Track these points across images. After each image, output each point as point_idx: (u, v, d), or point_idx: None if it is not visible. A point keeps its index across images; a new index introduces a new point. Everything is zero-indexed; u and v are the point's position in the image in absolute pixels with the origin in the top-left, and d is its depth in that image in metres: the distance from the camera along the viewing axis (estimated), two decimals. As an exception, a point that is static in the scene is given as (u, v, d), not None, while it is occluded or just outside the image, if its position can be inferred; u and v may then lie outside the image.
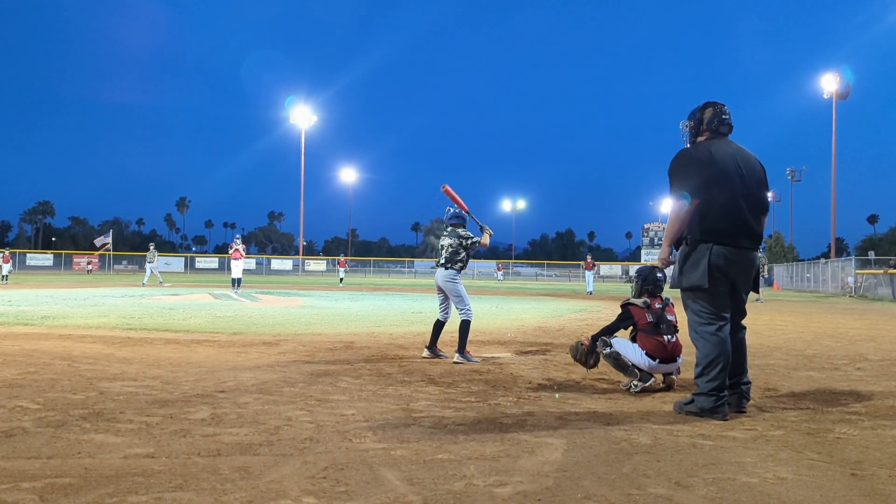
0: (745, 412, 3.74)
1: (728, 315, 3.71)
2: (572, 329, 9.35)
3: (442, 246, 6.06)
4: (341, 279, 32.01)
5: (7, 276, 26.87)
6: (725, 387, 3.58)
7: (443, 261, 5.96)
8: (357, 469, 2.55)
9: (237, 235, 20.40)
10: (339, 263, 33.64)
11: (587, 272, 27.25)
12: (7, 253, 29.44)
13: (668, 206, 3.74)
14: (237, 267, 18.69)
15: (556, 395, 4.06)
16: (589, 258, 27.47)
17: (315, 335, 7.60)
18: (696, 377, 3.67)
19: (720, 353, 3.59)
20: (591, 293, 24.98)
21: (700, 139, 3.90)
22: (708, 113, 3.87)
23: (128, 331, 7.65)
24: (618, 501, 2.25)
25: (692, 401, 3.65)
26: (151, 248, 24.92)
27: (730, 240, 3.64)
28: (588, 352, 4.64)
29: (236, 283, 18.29)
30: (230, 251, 19.45)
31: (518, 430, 3.24)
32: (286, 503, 2.17)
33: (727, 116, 3.87)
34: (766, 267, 21.62)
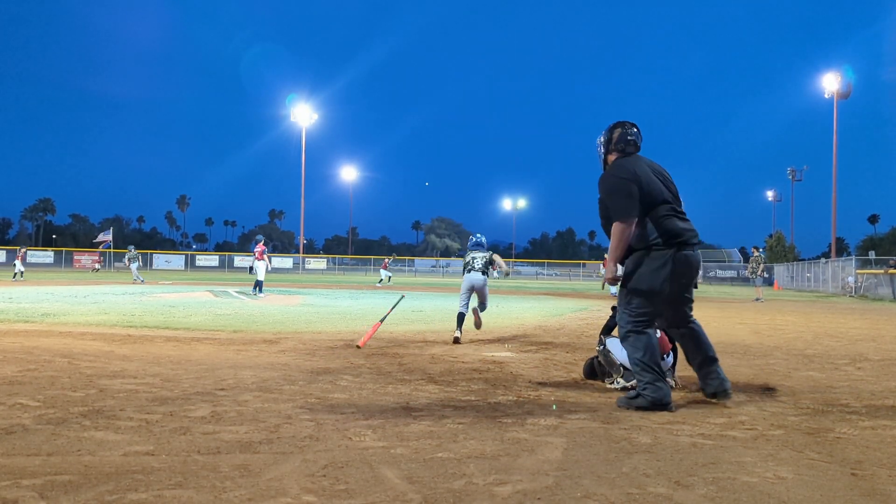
0: (730, 395, 3.92)
1: (655, 318, 3.95)
2: (572, 328, 9.35)
3: (474, 258, 7.73)
4: (380, 280, 32.05)
5: (23, 272, 27.09)
6: (663, 377, 3.77)
7: (479, 266, 7.63)
8: (357, 467, 2.55)
9: (260, 236, 18.94)
10: (383, 265, 33.96)
11: (604, 271, 25.26)
12: (23, 251, 29.87)
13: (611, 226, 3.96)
14: (261, 269, 17.37)
15: (554, 406, 4.03)
16: (606, 256, 25.70)
17: (315, 333, 7.60)
18: (640, 375, 3.82)
19: (650, 346, 3.82)
20: (613, 293, 22.94)
21: (610, 157, 4.12)
22: (616, 133, 4.09)
23: (128, 328, 7.65)
24: (618, 500, 2.25)
25: (637, 395, 3.78)
26: (132, 248, 24.91)
27: (686, 243, 3.86)
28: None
29: (258, 285, 16.86)
30: (256, 252, 17.89)
31: (518, 428, 3.24)
32: (286, 501, 2.17)
33: (633, 137, 4.08)
34: (761, 267, 21.46)
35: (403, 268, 66.23)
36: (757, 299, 20.83)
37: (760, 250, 22.13)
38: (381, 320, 7.14)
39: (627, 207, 3.82)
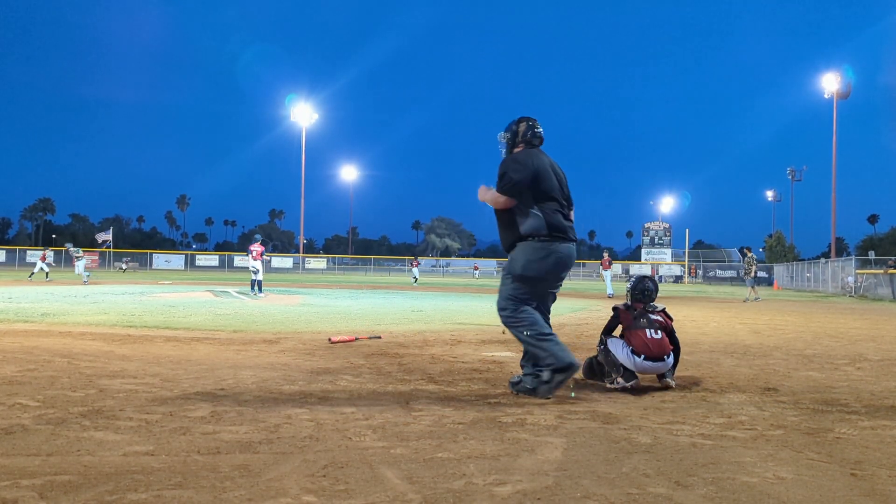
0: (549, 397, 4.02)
1: (535, 301, 4.19)
2: (572, 328, 9.35)
3: None
4: (415, 279, 32.85)
5: (47, 273, 27.18)
6: (568, 349, 4.00)
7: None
8: (357, 467, 2.55)
9: (258, 235, 18.82)
10: (413, 264, 34.80)
11: (605, 272, 23.69)
12: (45, 251, 30.15)
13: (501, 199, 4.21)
14: (259, 268, 17.19)
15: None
16: (606, 255, 24.14)
17: (315, 333, 7.59)
18: (540, 348, 3.98)
19: (547, 324, 4.12)
20: (611, 295, 21.44)
21: (516, 150, 4.31)
22: (522, 126, 4.32)
23: (128, 328, 7.65)
24: (617, 500, 2.25)
25: (520, 381, 4.07)
26: (69, 245, 24.44)
27: (566, 237, 4.15)
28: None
29: (257, 285, 16.76)
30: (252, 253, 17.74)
31: (518, 428, 3.24)
32: (286, 501, 2.17)
33: (539, 130, 4.34)
34: (753, 268, 21.40)
35: (403, 268, 66.24)
36: (746, 300, 20.65)
37: (752, 252, 22.12)
38: (357, 339, 7.05)
39: (513, 190, 4.07)
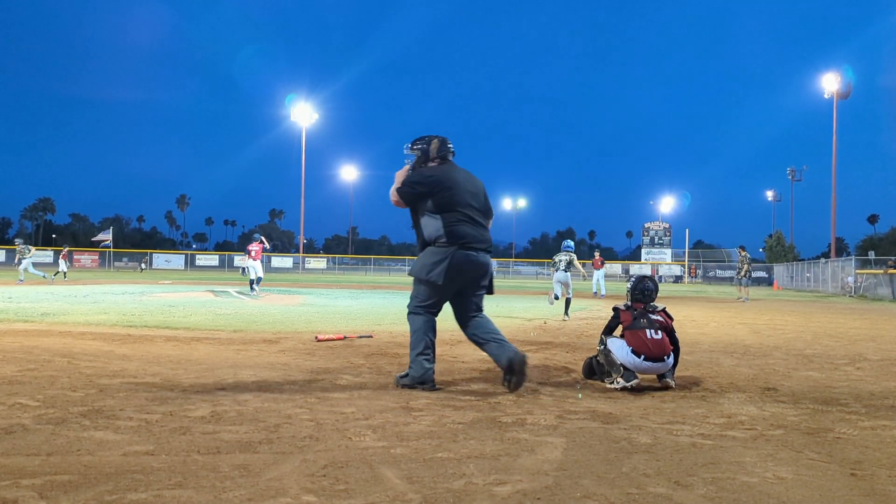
0: (524, 359, 4.18)
1: (438, 307, 4.43)
2: (572, 328, 9.35)
3: (561, 260, 11.57)
4: None
5: (66, 272, 27.16)
6: (429, 356, 4.29)
7: (564, 267, 11.50)
8: (357, 467, 2.55)
9: (257, 235, 18.16)
10: None
11: (596, 271, 23.03)
12: (65, 251, 30.18)
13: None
14: (258, 268, 16.78)
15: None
16: (597, 255, 23.53)
17: (315, 333, 7.59)
18: (410, 351, 4.32)
19: (429, 338, 4.33)
20: (602, 295, 21.38)
21: (431, 164, 4.56)
22: (435, 143, 4.56)
23: (128, 328, 7.65)
24: (617, 500, 2.25)
25: (406, 374, 4.30)
26: (20, 242, 23.46)
27: (468, 245, 4.33)
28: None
29: (256, 282, 16.60)
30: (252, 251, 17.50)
31: (518, 428, 3.24)
32: (286, 501, 2.17)
33: (451, 146, 4.60)
34: (745, 268, 21.15)
35: (403, 267, 66.14)
36: (739, 298, 20.62)
37: (746, 251, 21.90)
38: (345, 337, 7.04)
39: (411, 196, 4.43)
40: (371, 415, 3.46)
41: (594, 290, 22.62)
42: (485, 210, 4.57)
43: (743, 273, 20.77)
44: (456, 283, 4.34)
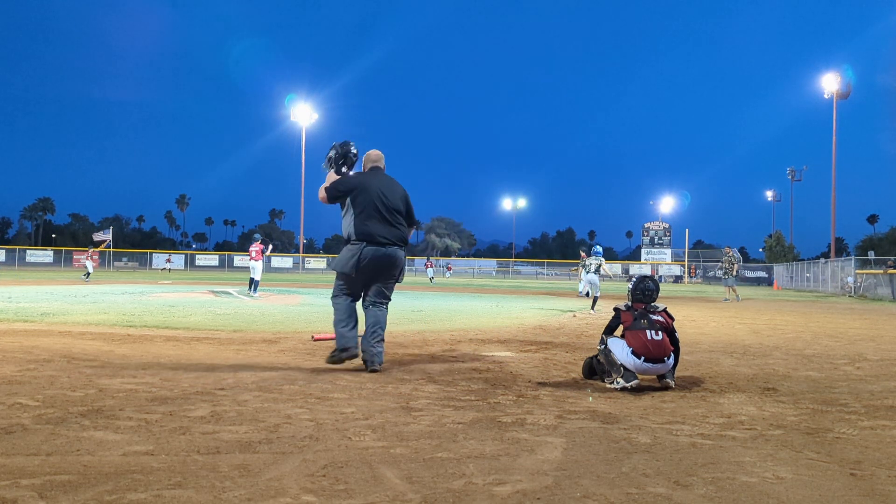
0: (377, 367, 4.81)
1: (355, 293, 5.14)
2: (572, 328, 9.35)
3: (591, 263, 13.29)
4: (431, 278, 35.00)
5: (90, 273, 27.09)
6: (350, 338, 4.98)
7: (593, 270, 13.15)
8: (356, 467, 2.55)
9: (258, 235, 18.52)
10: (426, 265, 36.94)
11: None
12: (91, 251, 29.89)
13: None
14: (257, 268, 17.05)
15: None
16: (583, 254, 21.39)
17: (315, 333, 7.59)
18: (335, 327, 5.06)
19: (347, 316, 5.06)
20: (586, 294, 19.52)
21: (352, 172, 5.32)
22: (354, 151, 5.37)
23: (127, 328, 7.65)
24: (617, 500, 2.25)
25: (334, 352, 5.01)
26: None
27: (375, 241, 4.98)
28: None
29: (253, 285, 16.54)
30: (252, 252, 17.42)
31: (517, 428, 3.24)
32: (286, 501, 2.17)
33: (354, 151, 5.38)
34: (735, 267, 20.79)
35: (408, 268, 66.08)
36: (729, 299, 19.93)
37: (734, 249, 21.66)
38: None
39: (333, 192, 5.11)
40: (371, 415, 3.46)
41: (580, 291, 21.10)
42: (399, 212, 5.15)
43: (734, 272, 20.49)
44: (366, 274, 5.03)
